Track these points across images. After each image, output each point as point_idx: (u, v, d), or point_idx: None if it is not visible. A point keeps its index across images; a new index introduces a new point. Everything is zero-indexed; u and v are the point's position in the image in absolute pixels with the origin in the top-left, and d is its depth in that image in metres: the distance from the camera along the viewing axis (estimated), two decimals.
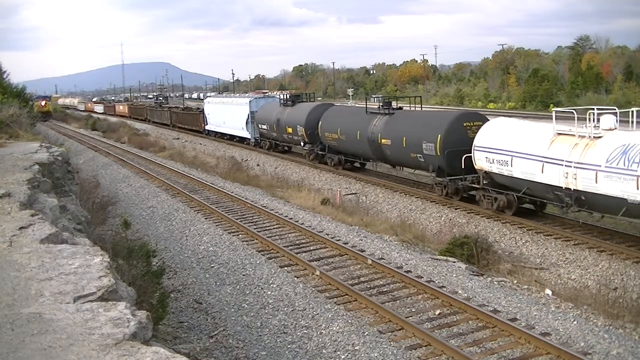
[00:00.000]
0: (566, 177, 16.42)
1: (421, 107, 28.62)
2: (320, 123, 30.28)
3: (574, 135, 16.66)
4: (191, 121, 54.24)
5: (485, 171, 19.69)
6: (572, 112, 17.44)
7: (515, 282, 13.57)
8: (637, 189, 14.38)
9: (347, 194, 25.09)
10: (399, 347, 9.71)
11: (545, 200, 18.37)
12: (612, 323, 10.87)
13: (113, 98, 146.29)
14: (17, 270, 5.44)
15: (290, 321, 11.01)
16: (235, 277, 13.70)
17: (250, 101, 41.10)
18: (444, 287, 12.39)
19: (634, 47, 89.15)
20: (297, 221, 18.27)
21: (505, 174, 18.81)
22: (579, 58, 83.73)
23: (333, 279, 12.81)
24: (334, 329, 10.50)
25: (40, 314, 4.48)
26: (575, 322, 10.65)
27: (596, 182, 15.50)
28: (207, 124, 48.53)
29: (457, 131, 21.04)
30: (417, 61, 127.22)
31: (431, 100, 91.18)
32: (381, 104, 27.31)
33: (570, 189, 16.36)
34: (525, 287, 13.13)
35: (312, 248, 15.59)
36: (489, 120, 21.43)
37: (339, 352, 9.70)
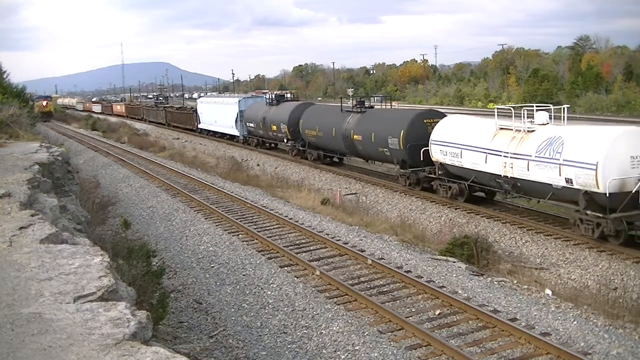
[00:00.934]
0: (504, 166, 18.63)
1: (391, 106, 32.78)
2: (301, 121, 32.54)
3: (512, 129, 18.85)
4: (185, 120, 56.13)
5: (440, 163, 22.07)
6: (509, 109, 19.78)
7: (515, 282, 13.56)
8: (560, 175, 16.70)
9: (347, 194, 25.09)
10: (399, 347, 9.71)
11: (490, 188, 20.48)
12: (612, 323, 10.87)
13: (112, 98, 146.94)
14: (17, 270, 5.45)
15: (290, 321, 11.01)
16: (235, 277, 13.70)
17: (239, 101, 43.25)
18: (444, 287, 12.39)
19: (634, 47, 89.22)
20: (297, 221, 18.27)
21: (457, 164, 21.08)
22: (579, 58, 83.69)
23: (333, 279, 12.81)
24: (334, 329, 10.50)
25: (40, 314, 4.48)
26: (575, 322, 10.65)
27: (528, 170, 17.81)
28: (199, 123, 50.61)
29: (418, 127, 23.39)
30: (417, 61, 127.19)
31: (431, 100, 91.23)
32: (354, 103, 29.51)
33: (507, 176, 18.59)
34: (525, 287, 13.13)
35: (312, 248, 15.59)
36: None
37: (339, 352, 9.70)
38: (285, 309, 11.58)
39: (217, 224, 18.72)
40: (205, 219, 19.50)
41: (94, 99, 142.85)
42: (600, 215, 15.92)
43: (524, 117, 18.65)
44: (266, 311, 11.61)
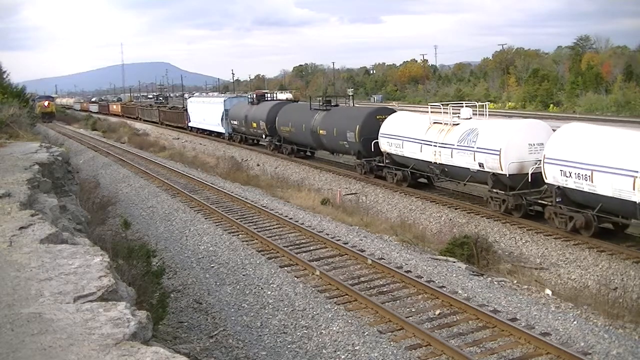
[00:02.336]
0: (435, 154, 22.09)
1: (353, 104, 37.01)
2: (277, 118, 35.50)
3: (442, 123, 22.17)
4: (177, 119, 58.81)
5: (388, 153, 25.40)
6: (439, 105, 23.35)
7: (515, 282, 13.57)
8: (474, 160, 20.07)
9: (347, 194, 25.10)
10: (399, 347, 9.71)
11: (425, 173, 23.92)
12: (612, 323, 10.87)
13: (110, 98, 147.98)
14: (17, 270, 5.45)
15: (290, 321, 11.01)
16: (235, 277, 13.70)
17: (224, 100, 46.62)
18: (444, 287, 12.39)
19: (634, 47, 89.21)
20: (297, 221, 18.27)
21: (400, 154, 24.54)
22: (579, 58, 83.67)
23: (333, 279, 12.81)
24: (334, 329, 10.49)
25: (40, 314, 4.48)
26: (575, 322, 10.64)
27: (452, 157, 21.18)
28: (190, 121, 53.36)
29: (371, 122, 26.47)
30: (417, 61, 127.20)
31: (431, 100, 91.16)
32: (322, 102, 33.06)
33: (437, 163, 22.08)
34: (525, 287, 13.13)
35: (312, 248, 15.59)
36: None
37: (339, 352, 9.70)
38: (285, 309, 11.58)
39: (217, 224, 18.72)
40: (205, 219, 19.50)
41: (93, 99, 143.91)
42: (504, 192, 19.19)
43: (450, 112, 22.09)
44: (266, 311, 11.61)
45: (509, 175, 18.71)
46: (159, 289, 11.04)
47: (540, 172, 17.74)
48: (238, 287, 13.07)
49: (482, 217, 19.99)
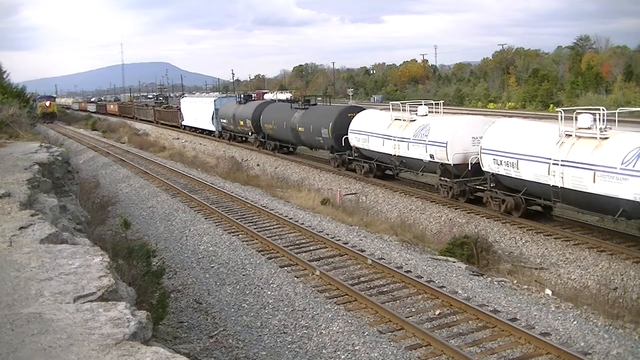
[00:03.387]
0: (394, 148, 24.65)
1: (330, 103, 39.56)
2: (261, 117, 38.35)
3: (401, 119, 24.81)
4: (170, 118, 61.02)
5: (356, 147, 28.00)
6: (399, 104, 26.45)
7: (515, 282, 13.56)
8: (426, 152, 22.59)
9: (347, 194, 25.11)
10: (399, 347, 9.71)
11: (387, 165, 26.25)
12: (612, 323, 10.87)
13: (108, 98, 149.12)
14: (17, 270, 5.45)
15: (290, 321, 11.01)
16: (235, 277, 13.69)
17: (214, 100, 49.04)
18: (444, 287, 12.39)
19: (634, 47, 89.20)
20: (297, 221, 18.27)
21: (366, 148, 27.17)
22: (579, 58, 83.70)
23: (333, 279, 12.81)
24: (334, 329, 10.49)
25: (40, 314, 4.48)
26: (575, 322, 10.64)
27: (408, 150, 23.73)
28: (183, 120, 55.83)
29: (343, 120, 29.12)
30: (417, 61, 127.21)
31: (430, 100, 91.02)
32: (301, 101, 35.91)
33: (396, 155, 24.65)
34: (525, 287, 13.13)
35: (312, 248, 15.59)
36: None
37: (339, 352, 9.70)
38: (285, 309, 11.58)
39: (217, 224, 18.72)
40: (205, 219, 19.50)
41: (92, 99, 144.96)
42: (450, 180, 21.63)
43: (408, 110, 24.96)
44: (266, 311, 11.61)
45: (454, 164, 21.31)
46: (159, 289, 11.05)
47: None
48: (238, 287, 13.07)
49: (482, 217, 19.99)
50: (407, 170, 25.16)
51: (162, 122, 63.72)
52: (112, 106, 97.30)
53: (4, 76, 36.36)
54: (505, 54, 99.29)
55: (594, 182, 15.62)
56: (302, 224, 17.91)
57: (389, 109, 26.57)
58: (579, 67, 77.18)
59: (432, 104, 26.19)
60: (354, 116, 28.53)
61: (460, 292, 12.14)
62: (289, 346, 10.06)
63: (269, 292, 12.52)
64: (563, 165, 16.54)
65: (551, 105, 67.99)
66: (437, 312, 11.16)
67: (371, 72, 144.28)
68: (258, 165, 35.03)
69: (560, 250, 16.59)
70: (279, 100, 49.53)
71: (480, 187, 21.13)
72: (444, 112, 27.72)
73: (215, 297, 12.58)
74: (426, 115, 24.46)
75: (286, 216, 19.02)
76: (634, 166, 14.63)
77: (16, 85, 37.77)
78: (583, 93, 66.61)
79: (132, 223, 18.56)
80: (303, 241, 16.24)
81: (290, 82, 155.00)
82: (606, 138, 15.90)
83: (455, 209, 21.29)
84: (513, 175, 18.68)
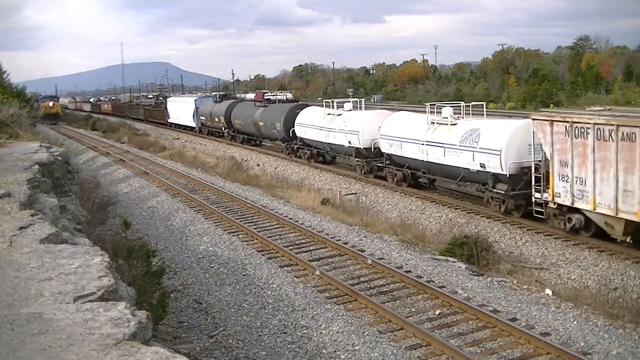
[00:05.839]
0: (326, 137, 30.36)
1: (298, 102, 44.41)
2: (232, 113, 43.86)
3: (331, 114, 30.62)
4: (159, 116, 66.31)
5: (300, 137, 33.64)
6: (330, 101, 32.70)
7: (515, 282, 13.56)
8: (346, 139, 28.43)
9: (347, 194, 25.11)
10: (399, 347, 9.71)
11: (322, 150, 32.12)
12: (612, 323, 10.87)
13: (105, 99, 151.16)
14: (17, 270, 5.45)
15: (290, 321, 11.01)
16: (235, 277, 13.69)
17: (195, 100, 55.10)
18: (444, 287, 12.39)
19: (634, 47, 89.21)
20: (297, 221, 18.26)
21: (307, 137, 32.95)
22: (579, 58, 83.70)
23: (333, 279, 12.81)
24: (334, 329, 10.49)
25: (40, 314, 4.48)
26: (575, 322, 10.64)
27: (334, 138, 29.63)
28: (169, 118, 61.05)
29: (292, 115, 34.40)
30: (417, 61, 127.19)
31: (431, 100, 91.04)
32: (263, 100, 42.01)
33: (328, 142, 30.43)
34: (525, 287, 13.12)
35: (312, 248, 15.58)
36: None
37: (339, 352, 9.70)
38: (285, 309, 11.58)
39: (217, 224, 18.71)
40: (205, 219, 19.50)
41: (91, 99, 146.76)
42: (362, 161, 27.90)
43: (335, 106, 31.27)
44: (266, 311, 11.61)
45: (364, 148, 27.27)
46: (159, 289, 11.05)
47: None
48: (238, 287, 13.07)
49: (482, 217, 19.98)
50: (336, 154, 31.47)
51: (151, 119, 69.16)
52: (106, 106, 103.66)
53: (4, 76, 36.36)
54: (505, 54, 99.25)
55: (444, 156, 21.72)
56: (302, 224, 17.91)
57: (330, 106, 31.87)
58: (579, 67, 77.18)
59: (355, 100, 33.39)
60: (299, 112, 33.98)
61: (460, 292, 12.14)
62: (289, 346, 10.05)
63: (269, 292, 12.52)
64: (427, 145, 22.65)
65: (551, 105, 67.96)
66: (437, 312, 11.16)
67: (371, 72, 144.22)
68: (258, 165, 35.05)
69: (560, 250, 16.59)
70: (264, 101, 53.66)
71: (380, 165, 26.52)
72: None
73: (215, 297, 12.58)
74: (350, 110, 30.25)
75: (286, 216, 19.02)
76: (465, 144, 20.58)
77: (16, 85, 37.79)
78: (583, 93, 66.58)
79: (132, 223, 18.55)
80: (303, 241, 16.24)
81: (290, 82, 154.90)
82: (455, 124, 21.88)
83: (455, 209, 21.29)
84: (400, 154, 24.73)
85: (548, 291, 12.98)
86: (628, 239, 15.42)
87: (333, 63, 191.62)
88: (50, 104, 79.53)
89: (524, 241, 17.59)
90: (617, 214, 15.10)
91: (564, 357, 9.12)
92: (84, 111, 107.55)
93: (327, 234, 16.66)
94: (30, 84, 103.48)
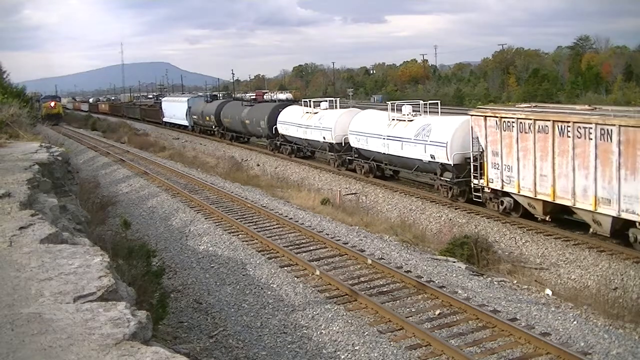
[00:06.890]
0: (304, 133, 32.90)
1: (284, 102, 46.36)
2: (221, 112, 46.31)
3: (309, 112, 33.01)
4: (154, 115, 68.51)
5: (282, 134, 36.00)
6: (307, 101, 35.48)
7: (515, 282, 13.57)
8: (321, 135, 30.91)
9: (347, 194, 25.11)
10: (399, 347, 9.71)
11: (303, 147, 34.78)
12: (612, 323, 10.87)
13: (103, 99, 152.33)
14: (17, 270, 5.45)
15: (290, 321, 11.01)
16: (235, 277, 13.69)
17: (188, 99, 57.50)
18: (444, 287, 12.39)
19: (634, 47, 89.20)
20: (297, 221, 18.27)
21: (288, 134, 35.25)
22: (579, 58, 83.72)
23: (333, 279, 12.81)
24: (334, 329, 10.49)
25: (40, 314, 4.48)
26: (575, 322, 10.64)
27: (311, 134, 32.02)
28: (164, 117, 63.24)
29: (275, 113, 36.88)
30: (417, 61, 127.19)
31: (430, 100, 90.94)
32: (250, 100, 47.64)
33: (305, 138, 33.18)
34: (525, 287, 13.13)
35: (312, 248, 15.58)
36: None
37: (338, 352, 9.70)
38: (285, 309, 11.58)
39: (217, 224, 18.71)
40: (205, 219, 19.49)
41: (90, 99, 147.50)
42: (335, 155, 30.30)
43: (311, 105, 33.42)
44: (266, 311, 11.61)
45: (336, 143, 29.79)
46: (159, 289, 11.05)
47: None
48: (238, 287, 13.07)
49: (482, 217, 19.99)
50: (314, 150, 33.68)
51: (147, 119, 71.57)
52: (103, 105, 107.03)
53: (4, 76, 36.36)
54: (505, 54, 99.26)
55: (402, 149, 24.13)
56: (302, 224, 17.91)
57: (308, 105, 34.18)
58: (579, 67, 77.19)
59: (332, 99, 35.62)
60: (281, 111, 36.47)
61: (460, 292, 12.14)
62: (289, 346, 10.05)
63: (269, 292, 12.52)
64: (388, 139, 25.00)
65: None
66: (437, 312, 11.16)
67: (371, 72, 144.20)
68: (258, 165, 35.06)
69: (560, 250, 16.59)
70: (269, 100, 55.86)
71: (350, 158, 28.96)
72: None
73: (215, 297, 12.58)
74: (326, 109, 32.81)
75: (286, 216, 19.02)
76: (419, 138, 22.89)
77: (16, 85, 37.78)
78: (583, 93, 66.57)
79: (132, 223, 18.55)
80: (303, 241, 16.24)
81: (291, 82, 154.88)
82: (411, 121, 24.33)
83: (456, 209, 21.29)
84: (366, 148, 27.11)
85: (548, 291, 12.99)
86: (547, 218, 17.91)
87: (333, 63, 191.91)
88: (52, 104, 78.32)
89: (524, 241, 17.60)
90: (536, 196, 17.68)
91: (564, 357, 9.12)
92: (83, 111, 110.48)
93: (327, 234, 16.66)
94: (30, 84, 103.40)
